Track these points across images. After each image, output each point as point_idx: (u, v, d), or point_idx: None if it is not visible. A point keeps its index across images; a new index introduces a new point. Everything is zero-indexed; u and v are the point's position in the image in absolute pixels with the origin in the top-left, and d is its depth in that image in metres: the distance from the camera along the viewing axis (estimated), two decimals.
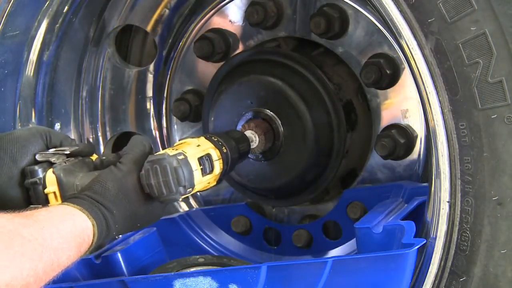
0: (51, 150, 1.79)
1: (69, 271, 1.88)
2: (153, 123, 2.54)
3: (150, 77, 2.50)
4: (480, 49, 1.54)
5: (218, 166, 1.81)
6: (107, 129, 2.51)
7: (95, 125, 2.48)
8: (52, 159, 1.76)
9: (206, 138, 1.85)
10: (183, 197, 1.70)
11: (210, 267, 2.00)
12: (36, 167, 1.74)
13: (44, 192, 1.73)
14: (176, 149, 1.73)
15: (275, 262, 1.87)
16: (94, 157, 1.84)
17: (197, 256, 2.04)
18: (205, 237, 2.45)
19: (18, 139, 1.78)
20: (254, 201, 2.43)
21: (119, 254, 1.96)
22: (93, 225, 1.55)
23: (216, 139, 1.86)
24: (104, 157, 1.80)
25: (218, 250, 2.43)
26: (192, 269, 1.98)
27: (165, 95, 2.52)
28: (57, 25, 2.21)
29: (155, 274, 1.87)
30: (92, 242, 1.56)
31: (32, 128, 1.88)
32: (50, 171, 1.74)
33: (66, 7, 2.19)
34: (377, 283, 1.63)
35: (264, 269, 1.66)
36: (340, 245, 2.30)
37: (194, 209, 2.52)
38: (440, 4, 1.56)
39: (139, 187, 1.66)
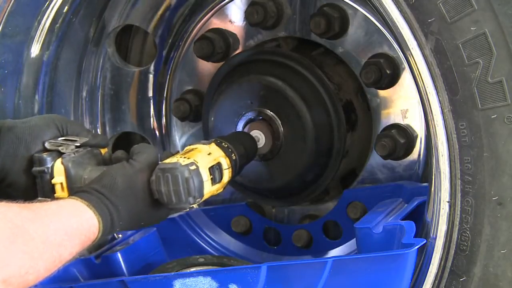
0: (61, 139, 1.78)
1: (69, 271, 1.90)
2: (153, 123, 2.54)
3: (150, 77, 2.50)
4: (480, 49, 1.54)
5: (227, 175, 1.82)
6: (107, 129, 2.50)
7: (95, 125, 2.48)
8: (61, 148, 1.75)
9: (217, 144, 1.84)
10: (191, 206, 1.70)
11: (210, 267, 2.01)
12: (45, 156, 1.72)
13: (51, 182, 1.72)
14: (188, 158, 1.72)
15: (275, 262, 1.87)
16: (104, 150, 1.83)
17: (197, 256, 2.04)
18: (205, 237, 2.44)
19: (34, 128, 1.78)
20: (254, 201, 2.43)
21: (119, 254, 1.96)
22: (98, 222, 1.56)
23: (226, 145, 1.86)
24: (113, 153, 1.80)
25: (218, 250, 2.43)
26: (192, 269, 1.98)
27: (165, 95, 2.52)
28: (57, 25, 2.20)
29: (155, 274, 1.87)
30: (96, 238, 1.57)
31: (48, 117, 1.85)
32: (58, 161, 1.72)
33: (66, 7, 2.19)
34: (377, 283, 1.63)
35: (264, 269, 1.67)
36: (340, 245, 2.30)
37: (194, 209, 2.51)
38: (440, 4, 1.56)
39: (148, 188, 1.67)
